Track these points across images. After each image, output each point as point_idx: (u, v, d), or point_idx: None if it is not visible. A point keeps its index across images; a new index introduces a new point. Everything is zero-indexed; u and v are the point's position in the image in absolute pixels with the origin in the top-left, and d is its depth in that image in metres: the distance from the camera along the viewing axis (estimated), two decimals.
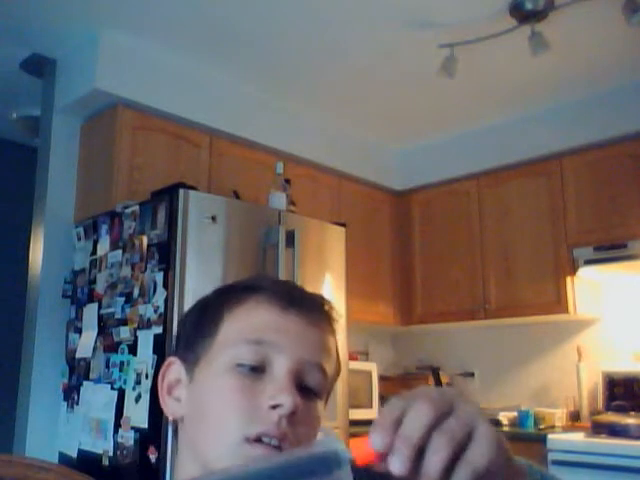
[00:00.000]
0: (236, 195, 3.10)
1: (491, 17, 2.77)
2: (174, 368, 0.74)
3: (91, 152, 3.08)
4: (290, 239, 2.78)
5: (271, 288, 0.72)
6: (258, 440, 0.63)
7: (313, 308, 0.73)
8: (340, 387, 3.00)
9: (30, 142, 3.72)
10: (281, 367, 0.67)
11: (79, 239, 2.92)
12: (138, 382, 2.39)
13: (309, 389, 0.69)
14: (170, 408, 0.73)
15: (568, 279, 3.43)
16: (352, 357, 3.53)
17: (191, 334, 0.74)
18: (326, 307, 0.75)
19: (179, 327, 0.78)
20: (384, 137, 4.14)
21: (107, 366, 2.56)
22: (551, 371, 3.74)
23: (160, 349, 2.36)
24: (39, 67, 3.17)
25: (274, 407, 0.64)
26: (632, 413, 3.10)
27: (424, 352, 4.29)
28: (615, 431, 2.91)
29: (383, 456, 0.47)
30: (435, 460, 0.45)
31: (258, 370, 0.67)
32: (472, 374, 4.08)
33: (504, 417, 3.47)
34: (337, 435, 0.53)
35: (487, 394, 3.96)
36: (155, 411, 2.30)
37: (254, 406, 0.65)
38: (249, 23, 2.88)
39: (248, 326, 0.70)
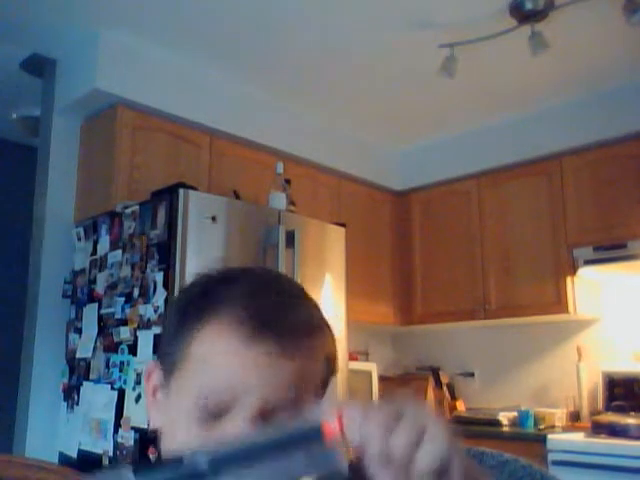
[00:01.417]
0: (236, 195, 3.10)
1: (491, 17, 2.77)
2: (155, 376, 0.70)
3: (91, 152, 3.08)
4: (290, 239, 2.78)
5: (235, 310, 0.63)
6: None
7: (288, 331, 0.63)
8: (340, 387, 3.00)
9: (30, 142, 3.72)
10: (242, 414, 0.61)
11: (79, 239, 2.92)
12: (138, 382, 2.39)
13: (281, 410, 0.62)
14: (152, 416, 0.70)
15: (568, 279, 3.43)
16: (352, 357, 3.53)
17: (168, 339, 0.69)
18: (307, 323, 0.65)
19: (162, 327, 0.74)
20: (384, 137, 4.14)
21: (107, 366, 2.56)
22: (551, 371, 3.74)
23: None
24: (39, 67, 3.17)
25: None
26: (632, 413, 3.10)
27: (424, 352, 4.29)
28: (615, 431, 2.91)
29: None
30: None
31: (218, 415, 0.62)
32: (472, 374, 4.08)
33: (504, 417, 3.47)
34: (325, 408, 0.53)
35: (487, 394, 3.96)
36: None
37: None
38: (249, 23, 2.88)
39: (206, 362, 0.63)
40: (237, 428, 0.60)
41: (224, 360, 0.62)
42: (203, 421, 0.62)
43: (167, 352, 0.68)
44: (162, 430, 0.67)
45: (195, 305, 0.66)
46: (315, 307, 0.69)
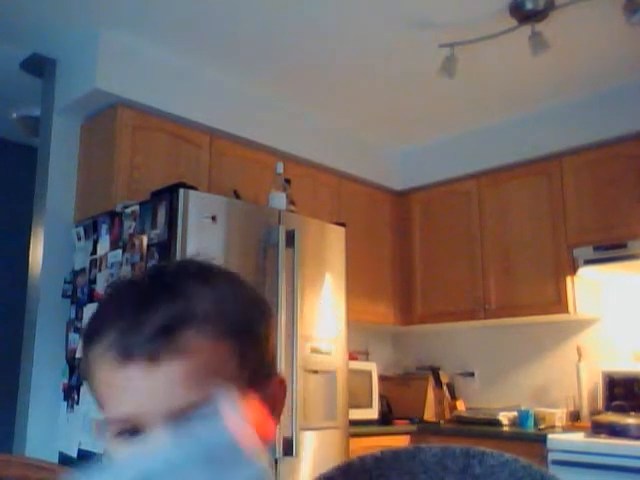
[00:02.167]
0: (236, 195, 3.11)
1: (491, 17, 2.77)
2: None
3: (91, 152, 3.08)
4: (290, 239, 2.78)
5: (102, 335, 0.61)
6: None
7: (151, 339, 0.59)
8: (340, 387, 3.00)
9: (30, 142, 3.72)
10: (150, 431, 0.59)
11: (79, 239, 2.92)
12: None
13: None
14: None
15: (568, 279, 3.43)
16: (352, 357, 3.53)
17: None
18: (170, 324, 0.59)
19: None
20: (384, 137, 4.14)
21: None
22: (551, 371, 3.74)
23: None
24: (39, 67, 3.17)
25: None
26: (632, 413, 3.10)
27: (424, 352, 4.29)
28: (615, 431, 2.91)
29: None
30: None
31: (136, 432, 0.60)
32: (472, 374, 4.08)
33: (504, 417, 3.47)
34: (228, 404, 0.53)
35: (487, 394, 3.96)
36: None
37: None
38: (249, 23, 2.88)
39: (102, 394, 0.62)
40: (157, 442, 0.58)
41: (109, 390, 0.61)
42: (127, 445, 0.61)
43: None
44: None
45: (85, 339, 0.65)
46: (204, 292, 0.64)
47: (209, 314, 0.61)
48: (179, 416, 0.58)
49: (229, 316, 0.63)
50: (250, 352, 0.63)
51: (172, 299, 0.61)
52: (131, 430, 0.60)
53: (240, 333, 0.63)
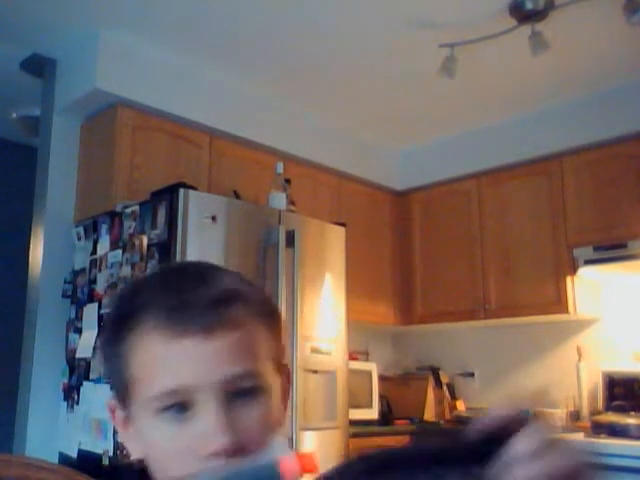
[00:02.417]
0: (236, 195, 3.10)
1: (491, 17, 2.77)
2: (118, 411, 0.70)
3: (91, 152, 3.08)
4: (290, 239, 2.78)
5: (153, 310, 0.63)
6: None
7: (205, 312, 0.63)
8: (340, 387, 3.00)
9: (30, 142, 3.72)
10: (203, 405, 0.62)
11: (79, 239, 2.92)
12: None
13: (246, 390, 0.64)
14: (131, 449, 0.71)
15: (568, 279, 3.43)
16: (352, 357, 3.53)
17: (107, 372, 0.70)
18: (221, 298, 0.64)
19: (103, 362, 0.73)
20: (384, 137, 4.13)
21: None
22: (551, 371, 3.74)
23: None
24: (39, 67, 3.17)
25: (213, 454, 0.61)
26: (632, 413, 3.10)
27: (424, 352, 4.29)
28: (615, 431, 2.91)
29: None
30: None
31: (183, 409, 0.62)
32: (472, 374, 4.08)
33: None
34: (283, 445, 0.55)
35: (487, 394, 3.96)
36: None
37: (195, 454, 0.62)
38: (249, 23, 2.88)
39: (150, 368, 0.64)
40: (204, 424, 0.61)
41: (163, 362, 0.63)
42: (175, 420, 0.63)
43: (114, 382, 0.69)
44: (147, 455, 0.68)
45: (117, 327, 0.67)
46: (229, 278, 0.68)
47: (249, 294, 0.67)
48: (227, 389, 0.62)
49: (261, 300, 0.69)
50: (277, 336, 0.69)
51: (216, 280, 0.67)
52: (179, 405, 0.62)
53: (270, 317, 0.69)
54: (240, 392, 0.63)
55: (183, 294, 0.64)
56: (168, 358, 0.63)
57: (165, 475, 0.65)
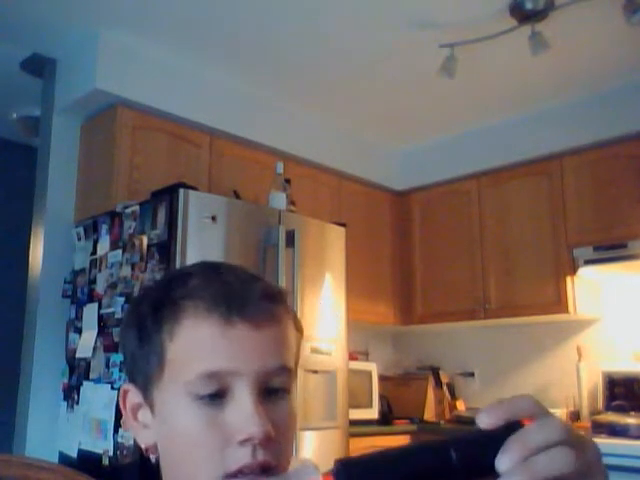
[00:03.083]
0: (236, 195, 3.10)
1: (491, 17, 2.77)
2: (131, 395, 0.70)
3: (91, 152, 3.08)
4: (290, 239, 2.78)
5: (205, 295, 0.66)
6: (240, 472, 0.62)
7: (257, 305, 0.67)
8: (340, 387, 3.00)
9: (30, 142, 3.72)
10: (241, 392, 0.64)
11: (79, 239, 2.92)
12: None
13: (276, 389, 0.67)
14: (141, 436, 0.70)
15: (568, 279, 3.43)
16: (352, 357, 3.53)
17: (135, 354, 0.70)
18: (270, 292, 0.69)
19: (121, 344, 0.74)
20: (384, 137, 4.14)
21: (107, 366, 2.56)
22: (551, 371, 3.74)
23: None
24: (39, 67, 3.17)
25: (245, 440, 0.62)
26: (632, 413, 3.10)
27: (424, 352, 4.29)
28: (615, 431, 2.91)
29: None
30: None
31: (219, 396, 0.64)
32: (472, 374, 4.08)
33: None
34: (313, 465, 0.56)
35: (487, 394, 3.96)
36: None
37: (225, 441, 0.62)
38: (249, 23, 2.88)
39: (194, 351, 0.65)
40: (240, 411, 0.63)
41: (211, 345, 0.65)
42: (209, 406, 0.64)
43: (139, 366, 0.69)
44: (161, 442, 0.68)
45: (158, 311, 0.68)
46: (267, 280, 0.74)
47: (287, 296, 0.73)
48: (263, 379, 0.65)
49: (290, 305, 0.74)
50: (299, 340, 0.74)
51: (261, 279, 0.71)
52: (215, 391, 0.64)
53: (296, 321, 0.74)
54: (271, 390, 0.66)
55: (238, 285, 0.67)
56: (218, 342, 0.64)
57: (178, 470, 0.65)
